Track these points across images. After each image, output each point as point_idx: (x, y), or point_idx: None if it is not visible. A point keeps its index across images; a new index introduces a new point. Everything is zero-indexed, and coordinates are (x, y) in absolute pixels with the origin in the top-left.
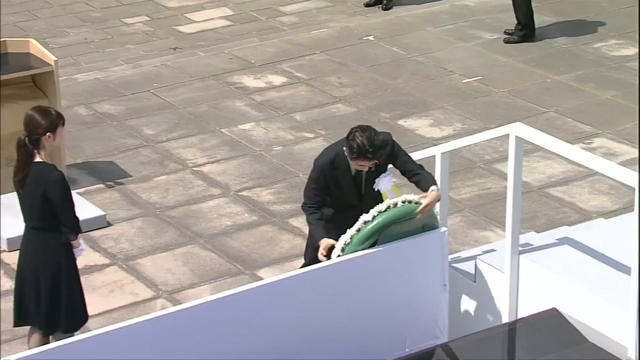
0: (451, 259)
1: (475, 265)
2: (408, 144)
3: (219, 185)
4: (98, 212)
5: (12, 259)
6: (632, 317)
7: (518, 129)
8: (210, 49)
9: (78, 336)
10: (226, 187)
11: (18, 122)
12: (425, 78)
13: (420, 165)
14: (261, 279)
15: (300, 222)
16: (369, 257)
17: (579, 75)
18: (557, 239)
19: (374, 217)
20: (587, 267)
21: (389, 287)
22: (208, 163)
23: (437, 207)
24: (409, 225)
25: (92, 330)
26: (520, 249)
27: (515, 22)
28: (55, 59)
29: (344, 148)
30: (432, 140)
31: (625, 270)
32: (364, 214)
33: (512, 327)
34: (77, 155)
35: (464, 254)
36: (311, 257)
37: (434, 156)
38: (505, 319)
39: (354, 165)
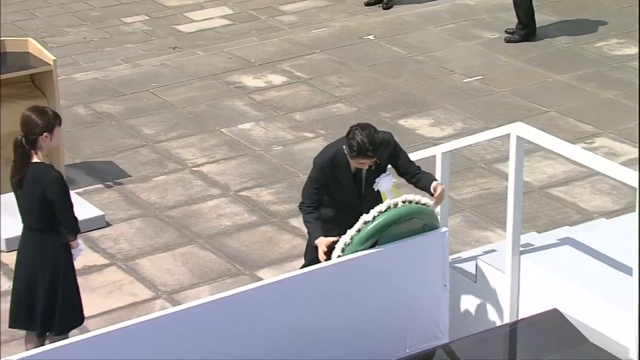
0: (452, 259)
1: (476, 265)
2: (408, 144)
3: (218, 185)
4: (97, 212)
5: (11, 259)
6: (633, 318)
7: (519, 129)
8: (209, 48)
9: (77, 337)
10: (226, 187)
11: (17, 122)
12: (426, 77)
13: (419, 167)
14: (261, 279)
15: (300, 223)
16: (369, 257)
17: (580, 75)
18: (558, 239)
19: (374, 218)
20: (588, 268)
21: (390, 287)
22: (207, 163)
23: (438, 207)
24: (410, 225)
25: (91, 331)
26: (521, 249)
27: (516, 21)
28: (54, 58)
29: (344, 146)
30: (433, 140)
31: (627, 270)
32: (364, 214)
33: (513, 328)
34: (75, 155)
35: (464, 254)
36: (311, 258)
37: (434, 156)
38: (506, 320)
39: (354, 164)
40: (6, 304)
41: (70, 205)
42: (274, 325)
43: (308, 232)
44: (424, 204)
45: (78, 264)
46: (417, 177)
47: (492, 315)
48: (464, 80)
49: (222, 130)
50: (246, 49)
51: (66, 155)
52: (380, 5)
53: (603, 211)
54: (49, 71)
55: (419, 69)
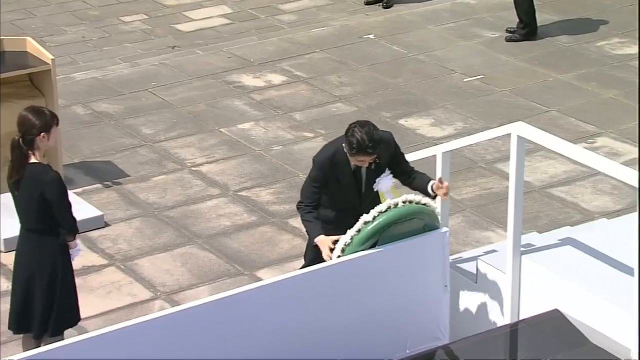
0: (452, 259)
1: (477, 266)
2: (409, 144)
3: (218, 186)
4: (96, 213)
5: (10, 260)
6: (635, 319)
7: (520, 129)
8: (209, 48)
9: (76, 337)
10: (225, 187)
11: (15, 122)
12: (427, 77)
13: (413, 168)
14: (261, 280)
15: (300, 223)
16: (369, 258)
17: (581, 74)
18: (559, 240)
19: (374, 218)
20: (589, 268)
21: (390, 288)
22: (207, 163)
23: (439, 208)
24: (410, 225)
25: (90, 332)
26: (522, 249)
27: (517, 20)
28: (53, 57)
29: (344, 145)
30: (434, 140)
31: (628, 271)
32: (365, 215)
33: (514, 329)
34: (74, 155)
35: (465, 254)
36: (312, 258)
37: (435, 156)
38: (507, 321)
39: (354, 162)
40: (6, 305)
41: (68, 206)
42: (274, 327)
43: (307, 232)
44: (424, 204)
45: (77, 264)
46: (412, 177)
47: (493, 316)
48: (465, 80)
49: (222, 130)
50: (246, 49)
51: (65, 155)
52: (381, 4)
53: (604, 211)
54: (48, 71)
55: (419, 68)
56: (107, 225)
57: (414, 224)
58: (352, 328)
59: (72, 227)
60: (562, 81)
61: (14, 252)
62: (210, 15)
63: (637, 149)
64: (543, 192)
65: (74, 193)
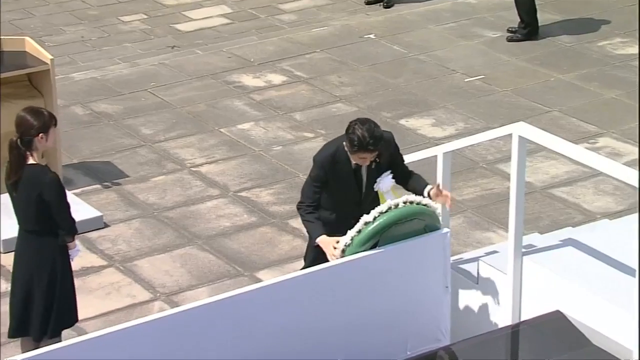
0: (453, 260)
1: (478, 267)
2: (410, 144)
3: (217, 186)
4: (95, 213)
5: (9, 260)
6: (636, 320)
7: (521, 129)
8: (208, 48)
9: (75, 339)
10: (225, 187)
11: (14, 122)
12: (427, 77)
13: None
14: (260, 280)
15: (300, 223)
16: (370, 258)
17: (583, 74)
18: (560, 241)
19: (375, 218)
20: (591, 269)
21: (390, 289)
22: (206, 163)
23: (439, 208)
24: (411, 226)
25: (88, 333)
26: (523, 250)
27: (518, 20)
28: (52, 57)
29: (344, 143)
30: (434, 140)
31: (630, 272)
32: (365, 215)
33: (515, 330)
34: (73, 156)
35: (466, 255)
36: (312, 259)
37: (435, 156)
38: (508, 322)
39: (355, 159)
40: (5, 305)
41: (67, 207)
42: (274, 328)
43: (308, 232)
44: (425, 205)
45: (75, 265)
46: (409, 179)
47: (494, 317)
48: (466, 80)
49: (221, 130)
50: (245, 48)
51: (64, 155)
52: (381, 4)
53: (606, 212)
54: (47, 70)
55: (420, 68)
56: (106, 225)
57: (415, 225)
58: (353, 329)
59: (70, 228)
60: (563, 81)
61: (13, 253)
62: (210, 14)
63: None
64: (544, 192)
65: (73, 193)
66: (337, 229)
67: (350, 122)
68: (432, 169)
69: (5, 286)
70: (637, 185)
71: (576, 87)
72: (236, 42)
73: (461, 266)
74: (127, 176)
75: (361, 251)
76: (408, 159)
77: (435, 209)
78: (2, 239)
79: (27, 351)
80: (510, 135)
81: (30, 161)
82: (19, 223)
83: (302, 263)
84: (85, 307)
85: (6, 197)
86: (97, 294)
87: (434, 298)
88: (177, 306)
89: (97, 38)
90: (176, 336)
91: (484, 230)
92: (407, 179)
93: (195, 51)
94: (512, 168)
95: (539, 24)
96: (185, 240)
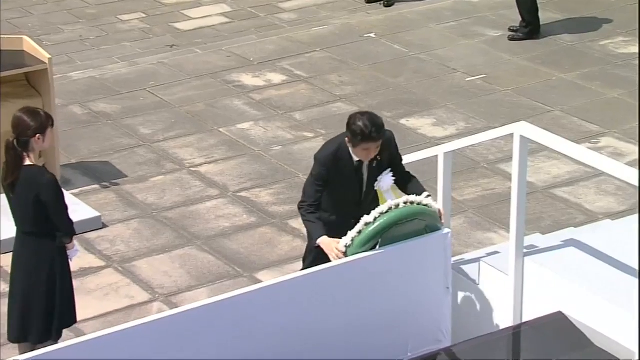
0: (454, 261)
1: (479, 267)
2: (410, 144)
3: (216, 186)
4: (93, 214)
5: (7, 261)
6: (639, 321)
7: (523, 129)
8: (208, 47)
9: (73, 340)
10: (224, 187)
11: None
12: (428, 76)
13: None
14: (260, 281)
15: (300, 224)
16: (370, 259)
17: (585, 74)
18: (562, 241)
19: (375, 219)
20: (593, 270)
21: (391, 289)
22: (206, 163)
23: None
24: (412, 226)
25: (87, 334)
26: (525, 251)
27: (520, 19)
28: (50, 56)
29: (346, 138)
30: (435, 140)
31: (632, 272)
32: (365, 216)
33: (517, 331)
34: (71, 155)
35: (467, 256)
36: (312, 260)
37: (436, 156)
38: (510, 323)
39: (359, 153)
40: (5, 306)
41: (64, 208)
42: (274, 329)
43: (308, 232)
44: (425, 205)
45: (74, 266)
46: (407, 181)
47: (495, 318)
48: (467, 79)
49: (221, 130)
50: (245, 47)
51: (62, 155)
52: (382, 2)
53: (608, 212)
54: (45, 70)
55: (420, 67)
56: (104, 226)
57: (416, 225)
58: (353, 330)
59: (68, 230)
60: (565, 80)
61: (10, 254)
62: (209, 13)
63: None
64: (546, 192)
65: (71, 193)
66: (337, 230)
67: (350, 116)
68: (433, 169)
69: (4, 287)
70: (638, 186)
71: (578, 87)
72: (236, 41)
73: (462, 267)
74: (126, 176)
75: (362, 252)
76: (409, 158)
77: (436, 209)
78: (0, 239)
79: (25, 352)
80: (511, 135)
81: (27, 162)
82: (17, 225)
83: (301, 263)
84: (84, 308)
85: (4, 198)
86: (95, 295)
87: (435, 299)
88: (176, 307)
89: (96, 37)
90: (175, 337)
91: (485, 230)
92: (405, 182)
93: (195, 50)
94: (514, 168)
95: (541, 23)
96: (185, 240)
